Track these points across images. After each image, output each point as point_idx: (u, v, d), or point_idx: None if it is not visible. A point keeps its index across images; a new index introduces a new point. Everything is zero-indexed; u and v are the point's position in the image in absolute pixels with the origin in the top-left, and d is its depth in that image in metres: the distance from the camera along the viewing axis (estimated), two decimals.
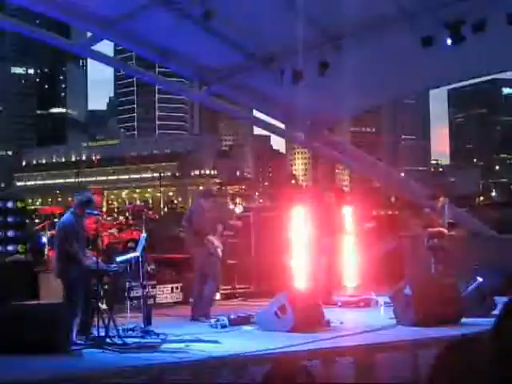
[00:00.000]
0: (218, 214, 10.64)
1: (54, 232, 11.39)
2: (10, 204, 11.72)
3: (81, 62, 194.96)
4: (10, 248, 11.48)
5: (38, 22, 71.40)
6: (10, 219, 11.57)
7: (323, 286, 11.09)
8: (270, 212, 13.64)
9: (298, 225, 11.33)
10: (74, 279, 8.08)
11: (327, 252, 11.26)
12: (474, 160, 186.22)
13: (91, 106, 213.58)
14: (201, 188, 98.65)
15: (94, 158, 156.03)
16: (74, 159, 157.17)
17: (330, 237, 11.28)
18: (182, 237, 11.70)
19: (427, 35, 9.70)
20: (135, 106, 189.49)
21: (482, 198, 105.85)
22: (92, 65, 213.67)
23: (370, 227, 12.05)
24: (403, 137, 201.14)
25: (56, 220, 12.14)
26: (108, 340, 7.69)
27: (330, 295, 11.18)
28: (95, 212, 8.98)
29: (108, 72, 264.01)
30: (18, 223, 11.67)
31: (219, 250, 10.03)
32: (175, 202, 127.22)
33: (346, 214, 12.27)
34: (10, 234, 11.54)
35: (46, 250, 11.77)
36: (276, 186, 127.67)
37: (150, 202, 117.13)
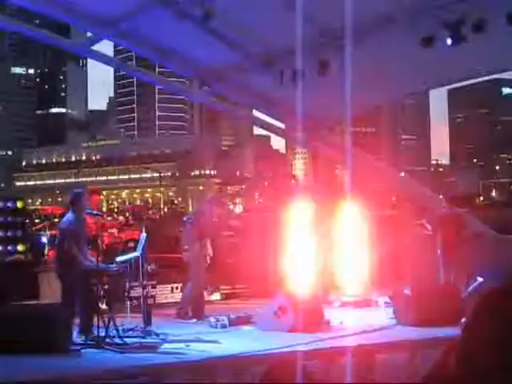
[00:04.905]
0: (217, 222, 10.77)
1: (54, 232, 11.41)
2: (10, 204, 11.71)
3: (81, 61, 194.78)
4: (9, 248, 11.48)
5: (37, 22, 71.45)
6: (9, 219, 11.56)
7: (320, 285, 11.11)
8: (270, 212, 13.66)
9: (296, 224, 11.34)
10: (72, 280, 8.08)
11: (320, 252, 11.27)
12: (474, 160, 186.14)
13: (91, 106, 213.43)
14: (215, 194, 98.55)
15: (93, 157, 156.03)
16: (73, 159, 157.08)
17: (318, 238, 11.29)
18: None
19: (427, 35, 9.70)
20: (135, 106, 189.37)
21: (481, 198, 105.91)
22: (92, 65, 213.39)
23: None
24: (403, 137, 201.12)
25: (56, 220, 12.16)
26: (108, 340, 7.69)
27: (327, 294, 11.20)
28: (94, 212, 8.99)
29: (108, 72, 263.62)
30: (18, 223, 11.67)
31: (208, 258, 10.20)
32: (175, 201, 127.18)
33: (345, 214, 12.26)
34: (10, 233, 11.53)
35: (46, 249, 11.77)
36: (276, 186, 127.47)
37: (150, 201, 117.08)
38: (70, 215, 8.48)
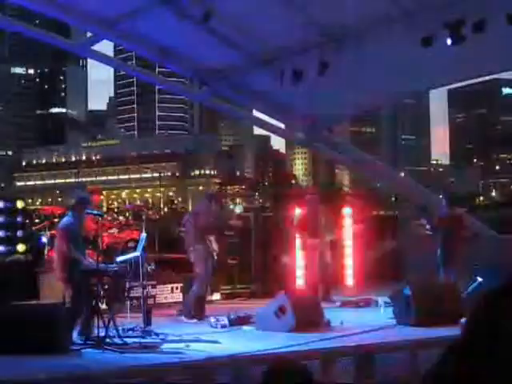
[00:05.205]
0: (217, 221, 10.75)
1: (54, 232, 11.40)
2: (9, 204, 11.70)
3: (81, 61, 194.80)
4: (9, 248, 11.47)
5: (37, 21, 71.48)
6: (10, 219, 11.55)
7: (320, 284, 11.12)
8: (270, 212, 13.68)
9: (298, 225, 11.35)
10: (77, 282, 8.07)
11: (319, 252, 11.27)
12: (474, 160, 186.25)
13: (91, 106, 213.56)
14: (211, 190, 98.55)
15: (93, 157, 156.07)
16: (73, 159, 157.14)
17: (317, 238, 11.29)
18: (181, 237, 11.71)
19: (427, 35, 9.70)
20: (135, 106, 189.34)
21: (481, 198, 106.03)
22: (92, 65, 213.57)
23: (357, 229, 12.06)
24: (403, 137, 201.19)
25: (56, 220, 12.14)
26: (108, 340, 7.68)
27: (327, 294, 11.21)
28: (95, 212, 8.97)
29: (108, 72, 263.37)
30: (18, 223, 11.66)
31: (215, 254, 10.19)
32: (175, 201, 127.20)
33: (345, 214, 12.28)
34: (10, 233, 11.52)
35: (46, 249, 11.75)
36: (276, 186, 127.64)
37: (150, 201, 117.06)
38: (69, 218, 8.44)
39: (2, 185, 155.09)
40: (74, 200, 8.67)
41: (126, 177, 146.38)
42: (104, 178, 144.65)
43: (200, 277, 10.04)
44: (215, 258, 10.23)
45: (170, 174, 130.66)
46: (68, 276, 8.20)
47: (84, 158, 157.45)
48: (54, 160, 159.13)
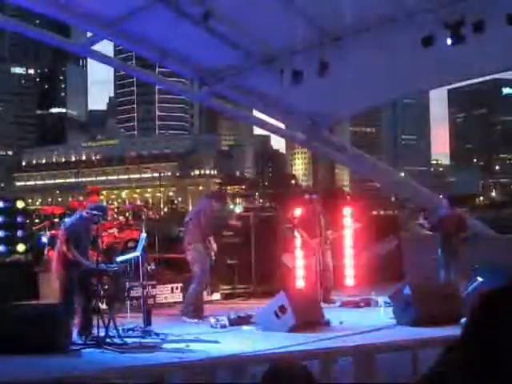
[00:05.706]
0: (219, 220, 10.73)
1: (54, 232, 11.40)
2: (9, 204, 11.71)
3: (81, 61, 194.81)
4: (9, 248, 11.48)
5: (38, 21, 71.43)
6: (10, 219, 11.56)
7: (320, 284, 11.12)
8: (270, 212, 13.70)
9: (298, 225, 11.35)
10: (71, 282, 8.06)
11: (317, 252, 11.26)
12: (474, 160, 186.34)
13: (91, 106, 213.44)
14: (214, 189, 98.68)
15: (93, 157, 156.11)
16: (73, 159, 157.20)
17: (317, 238, 11.28)
18: (182, 236, 11.71)
19: (427, 35, 9.71)
20: (135, 106, 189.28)
21: (481, 198, 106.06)
22: (92, 65, 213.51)
23: (357, 227, 12.06)
24: (403, 137, 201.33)
25: (56, 220, 12.15)
26: (108, 340, 7.68)
27: (327, 294, 11.21)
28: (95, 212, 8.94)
29: (108, 72, 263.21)
30: (18, 223, 11.66)
31: (213, 254, 10.17)
32: (175, 201, 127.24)
33: (345, 214, 12.28)
34: (10, 233, 11.53)
35: (46, 249, 11.76)
36: (276, 186, 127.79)
37: (150, 201, 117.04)
38: (77, 218, 8.40)
39: (2, 185, 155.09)
40: (94, 209, 8.52)
41: (126, 177, 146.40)
42: (104, 178, 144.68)
43: (198, 276, 10.02)
44: (213, 258, 10.21)
45: (170, 174, 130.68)
46: (61, 276, 8.19)
47: (84, 157, 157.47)
48: (54, 160, 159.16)
